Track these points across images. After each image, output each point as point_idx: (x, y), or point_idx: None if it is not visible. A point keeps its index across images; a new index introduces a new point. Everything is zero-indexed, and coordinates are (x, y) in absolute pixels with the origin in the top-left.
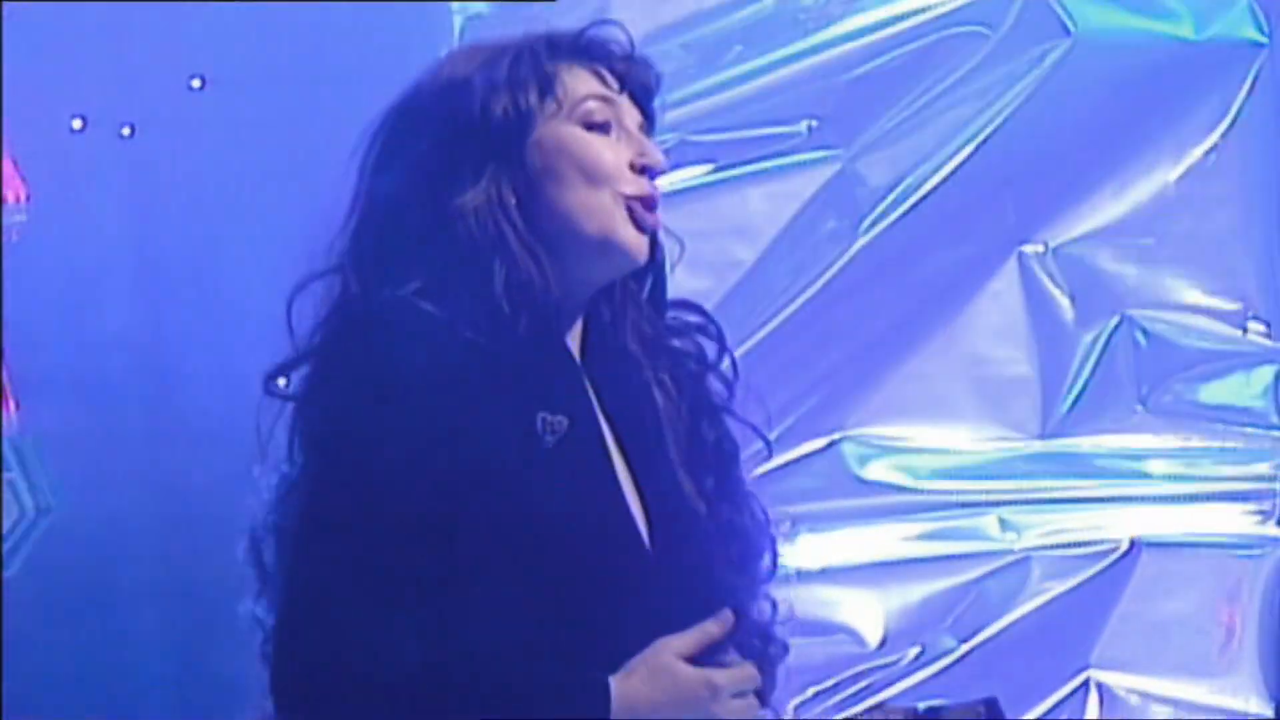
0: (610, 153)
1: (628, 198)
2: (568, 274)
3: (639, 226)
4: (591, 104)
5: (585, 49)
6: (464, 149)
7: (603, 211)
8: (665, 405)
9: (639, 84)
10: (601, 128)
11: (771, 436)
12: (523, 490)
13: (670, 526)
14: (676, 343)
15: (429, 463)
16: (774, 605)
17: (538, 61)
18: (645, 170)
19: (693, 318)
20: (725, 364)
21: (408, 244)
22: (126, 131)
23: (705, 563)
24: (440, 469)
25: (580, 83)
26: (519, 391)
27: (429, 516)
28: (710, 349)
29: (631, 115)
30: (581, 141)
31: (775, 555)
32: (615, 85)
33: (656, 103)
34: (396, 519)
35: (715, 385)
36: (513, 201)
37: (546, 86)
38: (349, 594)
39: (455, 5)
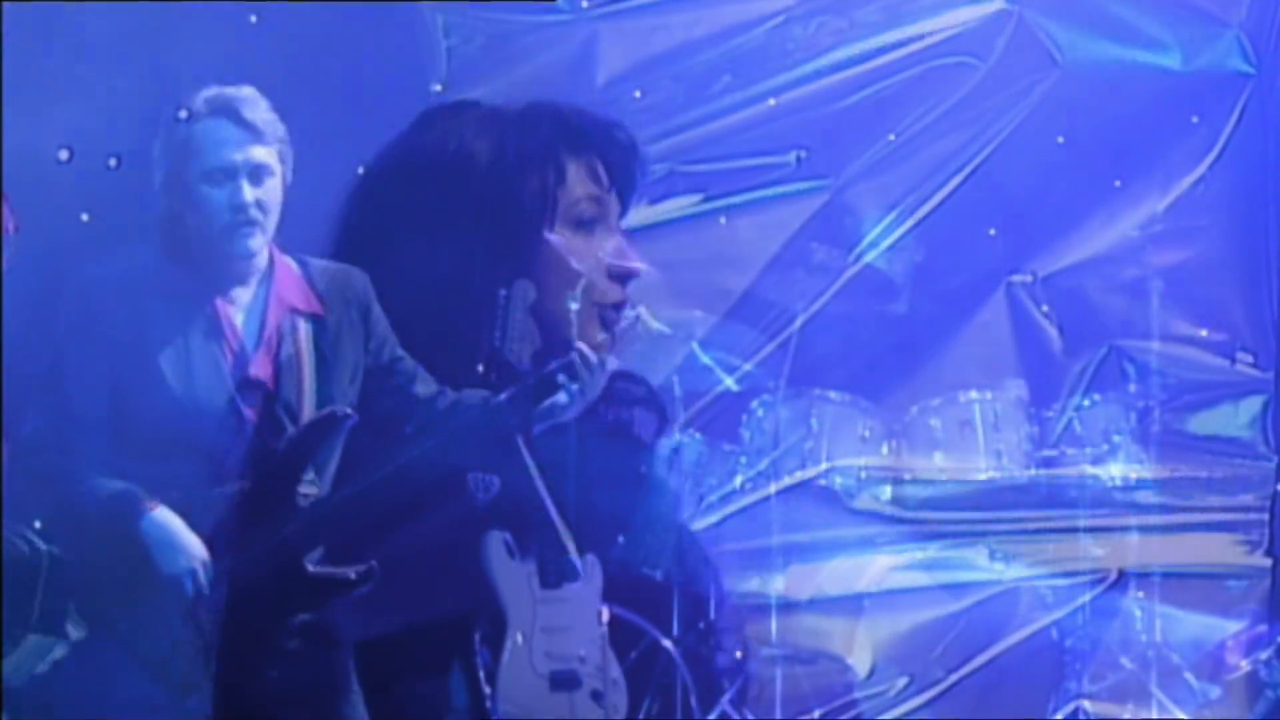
0: (593, 262)
1: (601, 305)
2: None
3: (604, 326)
4: (584, 205)
5: (589, 139)
6: (483, 232)
7: (576, 319)
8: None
9: (626, 178)
10: (589, 225)
11: (762, 466)
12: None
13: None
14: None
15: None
16: (716, 576)
17: (558, 160)
18: (622, 279)
19: (639, 389)
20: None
21: (403, 291)
22: (113, 162)
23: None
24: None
25: (579, 181)
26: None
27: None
28: (650, 422)
29: (614, 209)
30: (572, 252)
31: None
32: (606, 181)
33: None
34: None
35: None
36: (504, 293)
37: (557, 182)
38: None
39: (444, 41)
